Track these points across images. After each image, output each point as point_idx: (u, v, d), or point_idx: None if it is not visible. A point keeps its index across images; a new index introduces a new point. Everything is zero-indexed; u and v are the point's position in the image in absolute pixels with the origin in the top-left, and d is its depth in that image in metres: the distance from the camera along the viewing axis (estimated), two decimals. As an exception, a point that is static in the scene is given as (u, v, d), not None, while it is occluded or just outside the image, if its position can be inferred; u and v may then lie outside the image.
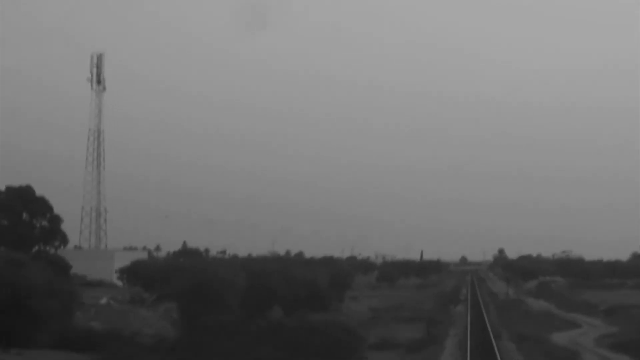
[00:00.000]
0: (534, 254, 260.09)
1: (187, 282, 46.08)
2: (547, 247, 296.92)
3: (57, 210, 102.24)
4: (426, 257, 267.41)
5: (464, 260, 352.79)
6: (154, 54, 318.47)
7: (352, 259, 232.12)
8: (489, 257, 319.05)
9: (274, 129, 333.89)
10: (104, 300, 71.40)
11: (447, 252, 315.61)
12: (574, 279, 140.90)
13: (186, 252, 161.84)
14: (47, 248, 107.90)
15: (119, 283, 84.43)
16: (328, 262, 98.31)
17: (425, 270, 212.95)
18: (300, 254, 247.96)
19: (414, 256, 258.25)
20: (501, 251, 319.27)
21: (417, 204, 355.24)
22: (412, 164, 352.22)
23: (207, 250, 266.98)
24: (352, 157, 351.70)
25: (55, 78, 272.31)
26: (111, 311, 64.15)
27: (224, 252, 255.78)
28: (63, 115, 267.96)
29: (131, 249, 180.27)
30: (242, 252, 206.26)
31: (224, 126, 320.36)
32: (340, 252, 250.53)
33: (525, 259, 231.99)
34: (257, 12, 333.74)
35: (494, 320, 63.20)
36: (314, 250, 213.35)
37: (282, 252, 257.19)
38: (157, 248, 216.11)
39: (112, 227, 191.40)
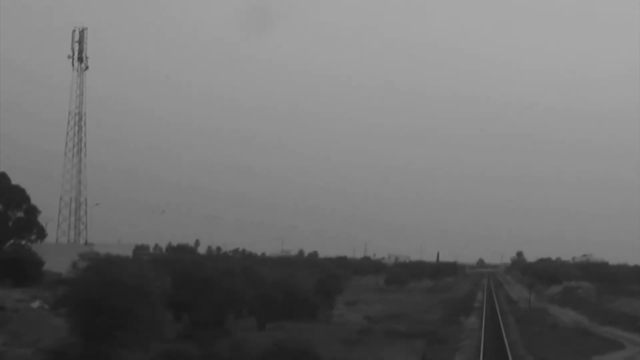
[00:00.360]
0: (553, 257, 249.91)
1: (79, 286, 32.02)
2: (566, 251, 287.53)
3: (34, 200, 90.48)
4: (443, 259, 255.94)
5: (481, 262, 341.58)
6: (154, 48, 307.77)
7: (366, 260, 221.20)
8: (507, 260, 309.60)
9: (282, 129, 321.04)
10: (36, 304, 58.15)
11: (464, 254, 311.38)
12: (600, 285, 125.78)
13: (179, 249, 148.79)
14: (23, 242, 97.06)
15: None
16: (317, 263, 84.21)
17: (440, 272, 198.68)
18: (314, 254, 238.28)
19: (431, 258, 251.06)
20: (519, 254, 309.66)
21: (434, 205, 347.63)
22: (430, 165, 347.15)
23: (219, 249, 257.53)
24: (369, 158, 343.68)
25: (34, 56, 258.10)
26: (30, 319, 50.85)
27: (236, 251, 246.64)
28: (42, 96, 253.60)
29: (142, 247, 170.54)
30: (256, 252, 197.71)
31: (231, 124, 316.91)
32: (354, 252, 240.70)
33: (544, 262, 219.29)
34: (261, 9, 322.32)
35: (515, 339, 48.41)
36: (328, 251, 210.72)
37: (295, 252, 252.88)
38: (170, 246, 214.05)
39: (104, 222, 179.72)
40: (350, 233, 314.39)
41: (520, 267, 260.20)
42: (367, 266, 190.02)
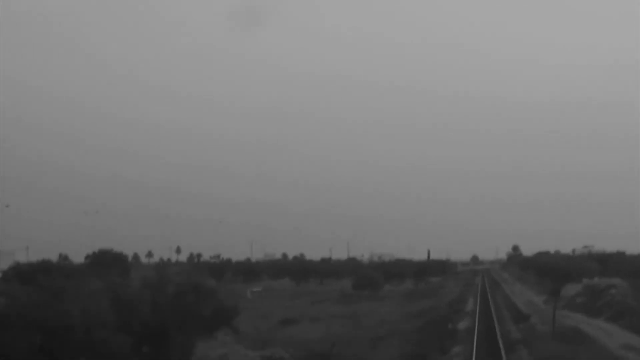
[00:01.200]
0: (551, 250, 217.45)
1: None
2: (561, 243, 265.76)
3: None
4: (435, 256, 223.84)
5: (475, 259, 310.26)
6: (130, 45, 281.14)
7: (352, 260, 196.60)
8: (503, 255, 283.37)
9: (267, 128, 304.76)
10: None
11: (457, 251, 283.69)
12: (630, 281, 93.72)
13: (103, 256, 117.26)
14: None
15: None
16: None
17: (425, 271, 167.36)
18: (300, 257, 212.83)
19: (421, 256, 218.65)
20: (515, 248, 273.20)
21: (424, 202, 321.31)
22: (421, 161, 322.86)
23: (199, 255, 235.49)
24: (359, 155, 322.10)
25: None
26: None
27: (217, 256, 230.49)
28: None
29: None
30: (239, 256, 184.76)
31: (218, 127, 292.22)
32: (330, 252, 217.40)
33: (543, 256, 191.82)
34: (252, 8, 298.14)
35: None
36: (315, 252, 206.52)
37: (278, 254, 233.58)
38: (149, 253, 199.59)
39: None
40: (337, 233, 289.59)
41: (517, 262, 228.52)
42: (350, 267, 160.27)
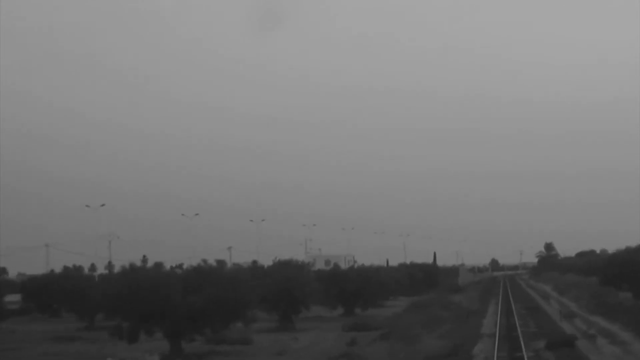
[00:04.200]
0: (596, 250, 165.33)
1: None
2: (594, 243, 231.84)
3: None
4: (446, 261, 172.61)
5: (495, 264, 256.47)
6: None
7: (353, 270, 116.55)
8: (528, 258, 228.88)
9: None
10: None
11: (474, 255, 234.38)
12: None
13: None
14: None
15: None
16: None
17: (379, 290, 72.37)
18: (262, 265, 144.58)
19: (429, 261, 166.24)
20: (549, 247, 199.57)
21: (434, 203, 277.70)
22: (432, 165, 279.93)
23: (179, 265, 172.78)
24: (361, 160, 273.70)
25: None
26: None
27: (180, 265, 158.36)
28: None
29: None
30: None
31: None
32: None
33: (586, 256, 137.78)
34: (265, 15, 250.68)
35: None
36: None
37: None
38: (109, 264, 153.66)
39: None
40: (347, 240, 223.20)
41: (553, 265, 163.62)
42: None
